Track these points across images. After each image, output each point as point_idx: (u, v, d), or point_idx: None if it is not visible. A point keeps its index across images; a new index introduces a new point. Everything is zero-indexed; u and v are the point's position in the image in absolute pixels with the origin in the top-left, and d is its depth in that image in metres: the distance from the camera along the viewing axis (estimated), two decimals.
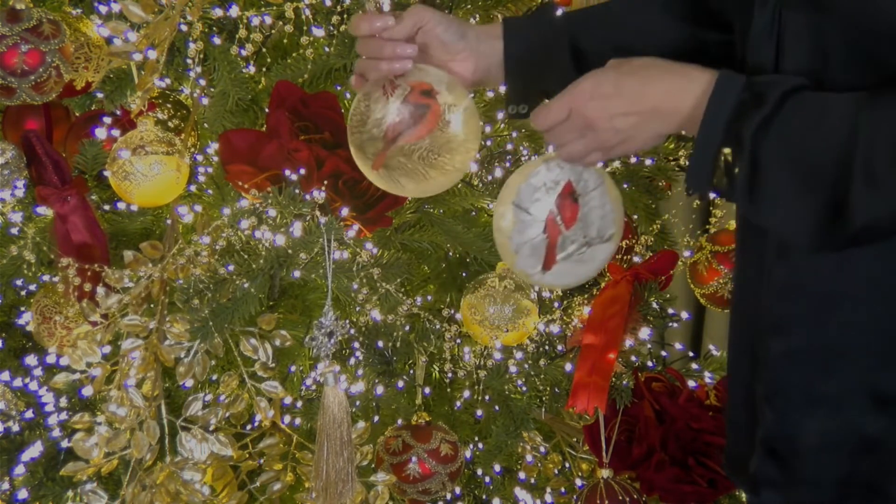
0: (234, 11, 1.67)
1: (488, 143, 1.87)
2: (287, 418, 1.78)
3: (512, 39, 1.31)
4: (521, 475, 1.99)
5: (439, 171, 1.29)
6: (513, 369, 1.87)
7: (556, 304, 1.94)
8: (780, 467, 1.13)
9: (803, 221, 1.01)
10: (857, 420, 1.08)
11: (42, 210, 1.79)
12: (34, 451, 1.89)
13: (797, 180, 1.00)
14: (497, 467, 1.96)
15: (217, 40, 1.70)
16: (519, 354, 1.87)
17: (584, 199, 1.23)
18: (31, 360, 1.85)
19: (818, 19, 1.04)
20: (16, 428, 1.92)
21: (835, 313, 1.08)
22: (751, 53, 1.11)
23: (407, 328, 1.80)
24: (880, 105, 0.97)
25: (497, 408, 1.90)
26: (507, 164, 1.85)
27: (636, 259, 1.93)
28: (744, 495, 1.93)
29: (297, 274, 1.58)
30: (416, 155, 1.28)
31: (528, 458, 1.97)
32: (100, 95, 1.80)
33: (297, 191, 1.55)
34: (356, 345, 1.77)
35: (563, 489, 2.00)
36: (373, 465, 1.77)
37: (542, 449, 1.98)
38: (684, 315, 2.08)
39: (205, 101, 1.73)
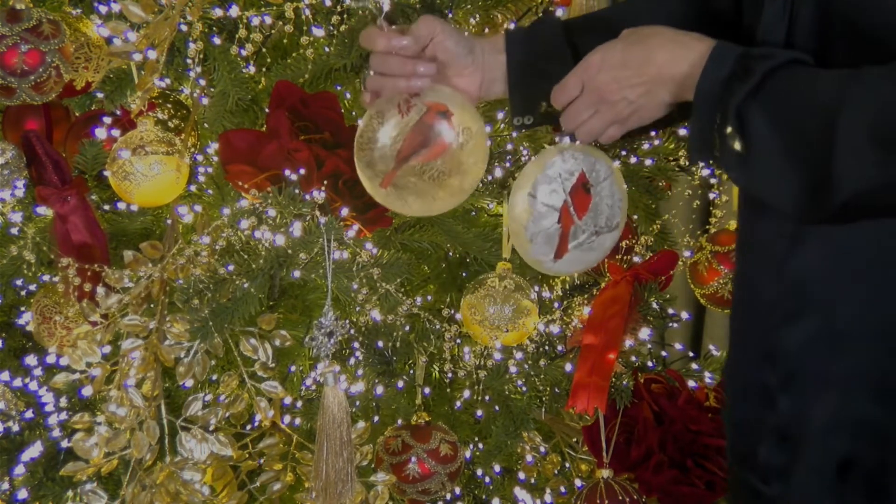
0: (234, 11, 1.67)
1: (488, 143, 1.86)
2: (287, 418, 1.78)
3: (514, 51, 1.31)
4: (521, 475, 1.99)
5: (448, 192, 1.30)
6: (513, 369, 1.87)
7: (556, 305, 1.94)
8: (790, 452, 1.15)
9: (790, 191, 1.02)
10: (863, 406, 1.10)
11: (42, 210, 1.79)
12: (34, 451, 1.89)
13: (783, 151, 1.02)
14: (497, 467, 1.96)
15: (217, 40, 1.70)
16: (519, 355, 1.87)
17: (595, 190, 1.25)
18: (31, 360, 1.85)
19: (826, 9, 1.05)
20: (16, 428, 1.92)
21: (853, 297, 1.10)
22: (760, 44, 1.12)
23: (407, 328, 1.79)
24: (868, 79, 0.98)
25: (497, 408, 1.90)
26: (508, 164, 1.85)
27: (636, 259, 1.92)
28: None
29: (296, 274, 1.58)
30: (428, 175, 1.29)
31: (528, 458, 1.97)
32: (100, 95, 1.80)
33: (296, 191, 1.55)
34: (356, 345, 1.77)
35: (562, 489, 2.00)
36: (372, 466, 1.77)
37: (541, 449, 1.98)
38: (684, 315, 2.08)
39: (205, 101, 1.73)
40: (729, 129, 1.04)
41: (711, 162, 1.10)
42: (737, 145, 1.04)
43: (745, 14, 1.20)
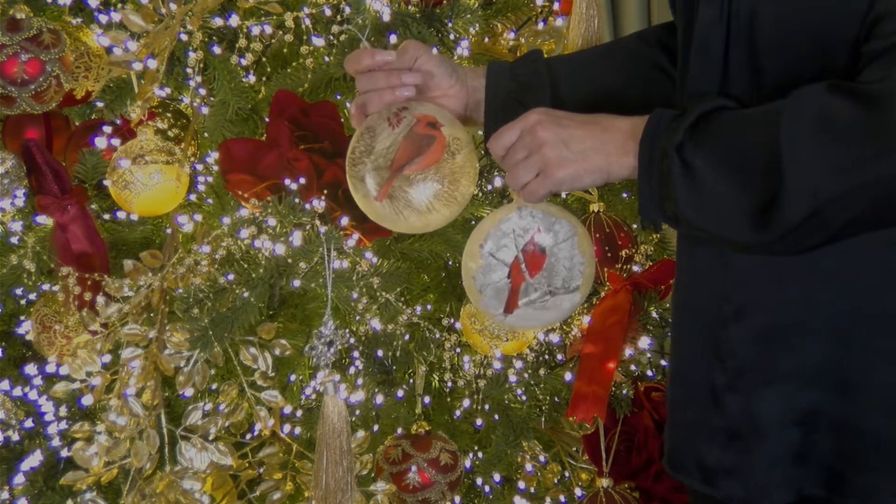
0: (234, 21, 1.67)
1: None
2: (287, 427, 1.78)
3: (494, 79, 1.33)
4: (521, 484, 1.99)
5: (443, 203, 1.29)
6: (512, 379, 1.87)
7: None
8: (741, 451, 1.15)
9: (742, 217, 1.02)
10: (816, 399, 1.10)
11: (42, 219, 1.79)
12: (34, 460, 1.89)
13: (727, 177, 1.02)
14: (497, 477, 1.96)
15: (217, 50, 1.70)
16: (519, 364, 1.87)
17: (551, 250, 1.25)
18: (30, 369, 1.84)
19: (756, 6, 1.07)
20: (15, 437, 1.92)
21: (798, 291, 1.10)
22: (698, 48, 1.13)
23: (407, 337, 1.79)
24: (803, 96, 0.98)
25: (497, 417, 1.90)
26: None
27: (636, 268, 1.93)
28: None
29: (296, 283, 1.58)
30: (422, 185, 1.29)
31: (528, 467, 1.97)
32: (100, 105, 1.80)
33: (296, 200, 1.55)
34: (356, 354, 1.77)
35: (562, 498, 2.00)
36: (372, 475, 1.77)
37: (541, 458, 1.98)
38: None
39: (205, 110, 1.74)
40: (673, 168, 1.04)
41: (664, 223, 1.10)
42: (682, 184, 1.04)
43: (680, 21, 1.20)
